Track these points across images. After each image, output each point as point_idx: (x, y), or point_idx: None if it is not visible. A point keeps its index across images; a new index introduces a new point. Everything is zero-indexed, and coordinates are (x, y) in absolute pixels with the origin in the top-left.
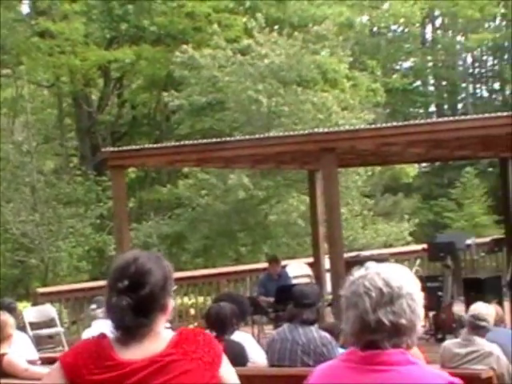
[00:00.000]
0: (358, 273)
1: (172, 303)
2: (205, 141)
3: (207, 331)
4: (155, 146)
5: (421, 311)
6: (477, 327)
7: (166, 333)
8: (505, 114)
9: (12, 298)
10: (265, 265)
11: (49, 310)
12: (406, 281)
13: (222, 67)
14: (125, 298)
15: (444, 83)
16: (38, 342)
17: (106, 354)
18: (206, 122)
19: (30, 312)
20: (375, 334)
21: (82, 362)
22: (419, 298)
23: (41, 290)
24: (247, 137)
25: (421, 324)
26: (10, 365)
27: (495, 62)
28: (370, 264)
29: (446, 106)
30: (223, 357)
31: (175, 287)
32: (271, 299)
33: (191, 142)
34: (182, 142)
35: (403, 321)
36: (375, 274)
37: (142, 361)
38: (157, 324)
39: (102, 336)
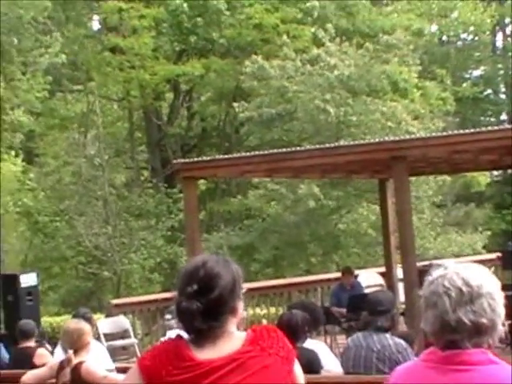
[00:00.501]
0: (437, 272)
1: (242, 306)
2: (275, 151)
3: None
4: (226, 156)
5: (501, 310)
6: None
7: (239, 333)
8: None
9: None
10: (336, 275)
11: (122, 322)
12: (485, 280)
13: (290, 78)
14: (194, 302)
15: None
16: (112, 353)
17: (184, 354)
18: (275, 133)
19: (104, 323)
20: (455, 333)
21: (160, 363)
22: (499, 297)
23: (115, 301)
24: (317, 146)
25: (502, 323)
26: (88, 372)
27: None
28: (448, 263)
29: None
30: (295, 355)
31: (245, 297)
32: (343, 310)
33: (261, 152)
34: (252, 153)
35: (484, 320)
36: (454, 273)
37: (220, 359)
38: (228, 325)
39: (179, 337)
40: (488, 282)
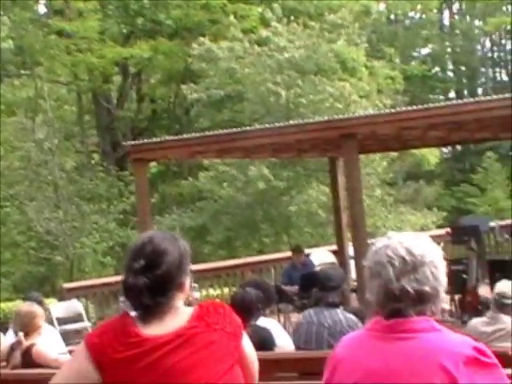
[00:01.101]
0: (380, 242)
1: (189, 282)
2: (225, 131)
3: None
4: (176, 137)
5: (444, 278)
6: (502, 305)
7: (186, 308)
8: None
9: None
10: (289, 254)
11: (75, 306)
12: (428, 249)
13: (239, 59)
14: (141, 277)
15: (463, 68)
16: (66, 337)
17: (130, 331)
18: (225, 115)
19: (57, 307)
20: (399, 302)
21: (106, 340)
22: (442, 266)
23: (67, 285)
24: (267, 126)
25: (444, 291)
26: (39, 355)
27: None
28: (391, 233)
29: (465, 92)
30: (243, 330)
31: (199, 278)
32: (295, 288)
33: (212, 132)
34: (202, 134)
35: (427, 288)
36: (398, 243)
37: (165, 335)
38: (175, 301)
39: (125, 314)
40: (431, 250)
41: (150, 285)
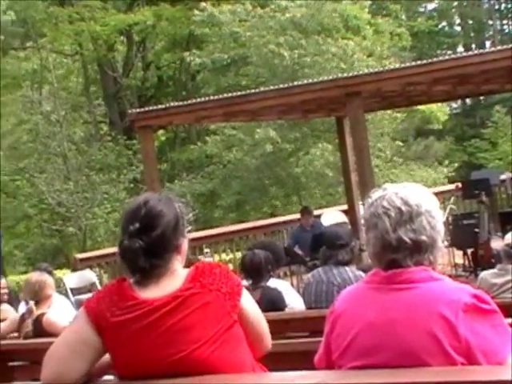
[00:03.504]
0: (376, 194)
1: (186, 244)
2: (230, 95)
3: (243, 279)
4: (181, 103)
5: (441, 227)
6: None
7: (183, 270)
8: None
9: (51, 266)
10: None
11: (89, 275)
12: (424, 198)
13: (242, 21)
14: (137, 240)
15: (470, 22)
16: (80, 306)
17: (127, 294)
18: (231, 79)
19: (71, 278)
20: (397, 252)
21: (104, 305)
22: (438, 215)
23: (79, 255)
24: (272, 87)
25: (442, 240)
26: (49, 324)
27: None
28: (387, 185)
29: (473, 46)
30: (243, 288)
31: (210, 243)
32: (301, 251)
33: (216, 96)
34: (207, 98)
35: (424, 237)
36: (393, 193)
37: (162, 298)
38: (172, 264)
39: (122, 279)
40: (427, 200)
41: (146, 247)
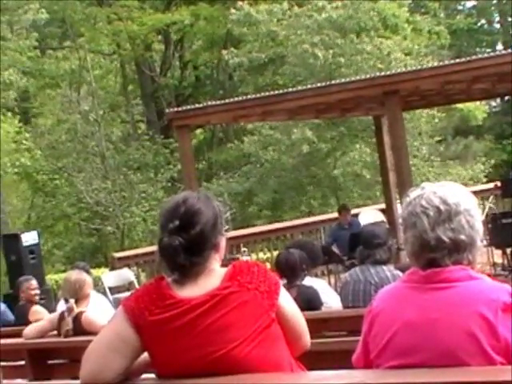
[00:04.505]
0: (414, 193)
1: (224, 242)
2: (267, 94)
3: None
4: (219, 102)
5: (479, 226)
6: None
7: (220, 269)
8: None
9: (90, 265)
10: (336, 215)
11: (127, 274)
12: (462, 197)
13: (279, 20)
14: (176, 237)
15: (510, 19)
16: (118, 305)
17: (166, 293)
18: (268, 78)
19: (109, 277)
20: (435, 251)
21: (143, 304)
22: (477, 214)
23: (117, 254)
24: (309, 86)
25: (481, 239)
26: (89, 323)
27: None
28: (425, 184)
29: None
30: (281, 286)
31: (248, 242)
32: (337, 251)
33: (254, 96)
34: (244, 97)
35: (462, 237)
36: (431, 192)
37: (200, 296)
38: (210, 262)
39: (160, 278)
40: (465, 199)
41: (186, 245)
